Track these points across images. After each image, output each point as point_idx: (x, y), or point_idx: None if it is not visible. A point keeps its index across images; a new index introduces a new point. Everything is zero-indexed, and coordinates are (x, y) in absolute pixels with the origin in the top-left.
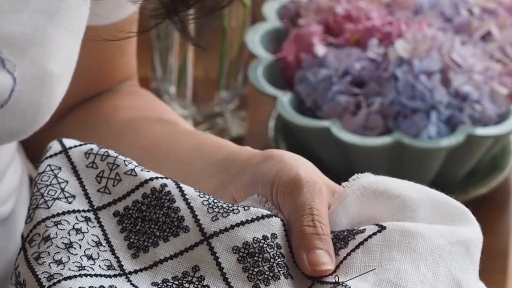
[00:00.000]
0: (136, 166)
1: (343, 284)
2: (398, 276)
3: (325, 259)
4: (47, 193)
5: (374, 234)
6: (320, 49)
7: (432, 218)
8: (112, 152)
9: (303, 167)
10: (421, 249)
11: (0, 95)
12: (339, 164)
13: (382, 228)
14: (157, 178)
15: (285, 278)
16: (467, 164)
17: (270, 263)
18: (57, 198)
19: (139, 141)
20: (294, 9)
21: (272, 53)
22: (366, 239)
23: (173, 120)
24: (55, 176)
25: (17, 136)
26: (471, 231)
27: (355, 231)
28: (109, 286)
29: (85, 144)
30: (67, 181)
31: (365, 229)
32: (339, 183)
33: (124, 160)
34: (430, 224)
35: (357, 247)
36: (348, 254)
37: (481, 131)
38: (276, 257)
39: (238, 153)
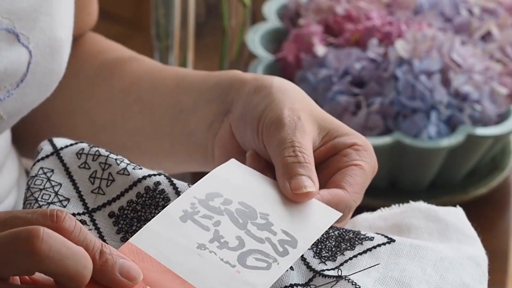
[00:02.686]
0: (128, 164)
1: (346, 278)
2: (403, 274)
3: (307, 183)
4: (41, 198)
5: (383, 244)
6: (320, 49)
7: (436, 240)
8: (103, 151)
9: (289, 104)
10: (429, 257)
11: (19, 70)
12: None
13: (391, 240)
14: (149, 176)
15: None
16: (467, 164)
17: None
18: (52, 203)
19: (117, 84)
20: (294, 9)
21: (272, 53)
22: (374, 247)
23: (142, 57)
24: (48, 179)
25: (32, 107)
26: (476, 249)
27: (362, 237)
28: None
29: (76, 143)
30: (60, 184)
31: (373, 237)
32: None
33: (116, 159)
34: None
35: (364, 252)
36: (355, 256)
37: (481, 131)
38: None
39: (231, 78)
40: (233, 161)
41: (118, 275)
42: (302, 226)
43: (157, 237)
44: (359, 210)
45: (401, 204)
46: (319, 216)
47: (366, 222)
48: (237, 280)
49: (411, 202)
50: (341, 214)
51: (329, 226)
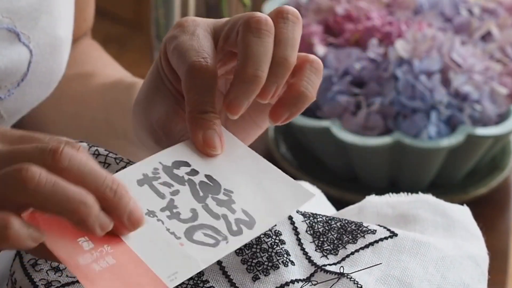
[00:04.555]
0: (127, 163)
1: (348, 276)
2: (405, 273)
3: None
4: None
5: (386, 238)
6: (320, 49)
7: (441, 235)
8: (102, 150)
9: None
10: (431, 255)
11: (20, 69)
12: (339, 164)
13: (394, 234)
14: None
15: (284, 266)
16: (467, 164)
17: (269, 253)
18: None
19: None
20: None
21: None
22: (377, 241)
23: (96, 74)
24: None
25: (32, 106)
26: (479, 248)
27: (364, 229)
28: None
29: (76, 143)
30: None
31: (376, 230)
32: (339, 183)
33: (115, 158)
34: (439, 238)
35: (366, 246)
36: (357, 251)
37: (481, 131)
38: (275, 246)
39: None
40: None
41: (126, 219)
42: (267, 207)
43: None
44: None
45: (409, 194)
46: (289, 197)
47: (374, 208)
48: (178, 252)
49: (420, 194)
50: (314, 195)
51: (296, 209)
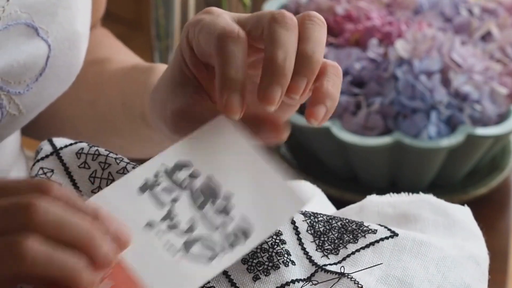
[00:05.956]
0: (127, 163)
1: (349, 276)
2: (405, 273)
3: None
4: None
5: (386, 238)
6: None
7: (442, 234)
8: (102, 150)
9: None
10: (432, 255)
11: (38, 64)
12: (339, 164)
13: (394, 234)
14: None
15: (285, 266)
16: (467, 164)
17: (269, 253)
18: None
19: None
20: (294, 9)
21: None
22: (377, 241)
23: (112, 59)
24: (48, 179)
25: (50, 101)
26: (479, 248)
27: (365, 229)
28: None
29: (75, 143)
30: (60, 184)
31: (376, 230)
32: (339, 183)
33: (115, 158)
34: (440, 238)
35: (367, 246)
36: (357, 250)
37: (481, 131)
38: (275, 246)
39: None
40: (221, 118)
41: (102, 259)
42: (264, 212)
43: (107, 207)
44: None
45: (410, 194)
46: (285, 203)
47: (375, 208)
48: (174, 270)
49: (421, 194)
50: (307, 203)
51: (292, 215)
